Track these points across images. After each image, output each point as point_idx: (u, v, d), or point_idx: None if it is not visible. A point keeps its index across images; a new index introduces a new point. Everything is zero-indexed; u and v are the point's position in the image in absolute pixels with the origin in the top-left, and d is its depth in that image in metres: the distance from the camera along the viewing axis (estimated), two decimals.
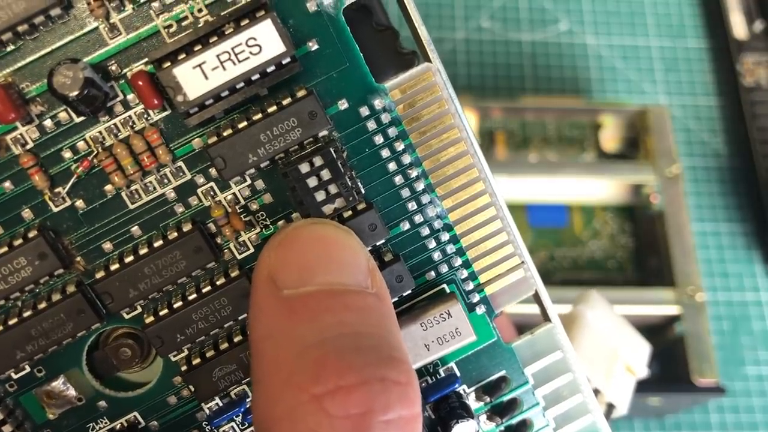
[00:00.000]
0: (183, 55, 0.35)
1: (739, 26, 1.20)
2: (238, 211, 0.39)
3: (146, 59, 0.36)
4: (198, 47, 0.35)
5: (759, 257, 1.11)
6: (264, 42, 0.35)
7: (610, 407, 0.72)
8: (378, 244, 0.39)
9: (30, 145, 0.36)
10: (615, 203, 1.09)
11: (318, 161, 0.37)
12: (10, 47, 0.35)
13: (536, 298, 0.43)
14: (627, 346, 0.72)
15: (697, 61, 1.23)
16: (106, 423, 0.41)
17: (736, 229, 1.13)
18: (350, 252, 0.35)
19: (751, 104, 1.15)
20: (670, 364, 0.97)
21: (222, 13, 0.36)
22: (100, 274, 0.38)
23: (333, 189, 0.37)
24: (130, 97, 0.36)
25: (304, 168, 0.37)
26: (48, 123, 0.36)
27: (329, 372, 0.30)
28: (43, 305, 0.38)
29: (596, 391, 0.65)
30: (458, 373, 0.43)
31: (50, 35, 0.35)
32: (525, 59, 1.19)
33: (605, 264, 1.06)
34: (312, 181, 0.37)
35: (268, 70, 0.35)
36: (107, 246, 0.38)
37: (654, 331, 0.98)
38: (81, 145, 0.37)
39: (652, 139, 1.05)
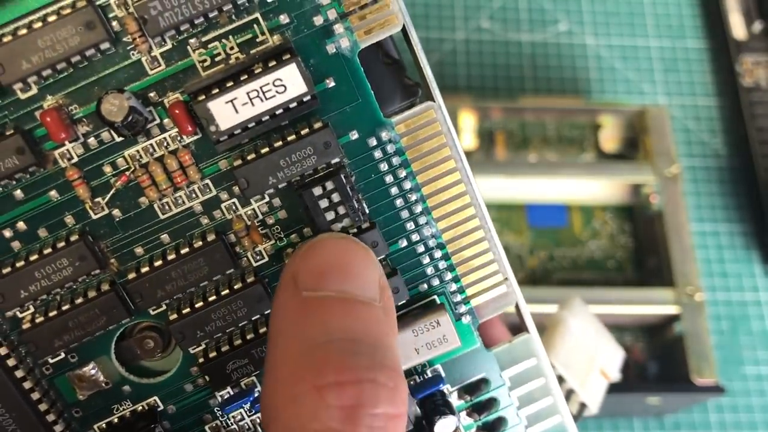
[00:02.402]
0: (216, 90, 0.42)
1: (738, 27, 1.26)
2: (257, 224, 0.46)
3: (182, 90, 0.43)
4: (230, 84, 0.42)
5: (758, 257, 1.17)
6: (289, 83, 0.42)
7: (583, 406, 0.79)
8: (378, 258, 0.47)
9: (75, 159, 0.44)
10: (614, 203, 1.14)
11: (329, 185, 0.44)
12: (64, 74, 0.42)
13: (517, 310, 0.51)
14: (604, 352, 0.79)
15: (697, 61, 1.28)
16: (128, 405, 0.49)
17: (735, 229, 1.19)
18: (366, 266, 0.42)
19: (751, 104, 1.21)
20: (670, 364, 1.03)
21: (251, 52, 0.43)
22: (131, 275, 0.45)
23: (341, 210, 0.45)
24: (166, 121, 0.44)
25: (317, 191, 0.44)
26: (92, 141, 0.43)
27: (330, 369, 0.37)
28: (80, 300, 0.45)
29: (571, 391, 0.72)
30: (443, 374, 0.51)
31: (99, 64, 0.42)
32: (525, 60, 1.24)
33: (605, 264, 1.12)
34: (323, 203, 0.44)
35: (291, 106, 0.42)
36: (139, 250, 0.46)
37: (653, 330, 1.06)
38: (120, 161, 0.44)
39: (652, 139, 1.11)
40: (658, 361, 1.05)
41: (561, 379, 0.65)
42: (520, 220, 1.12)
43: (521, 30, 1.27)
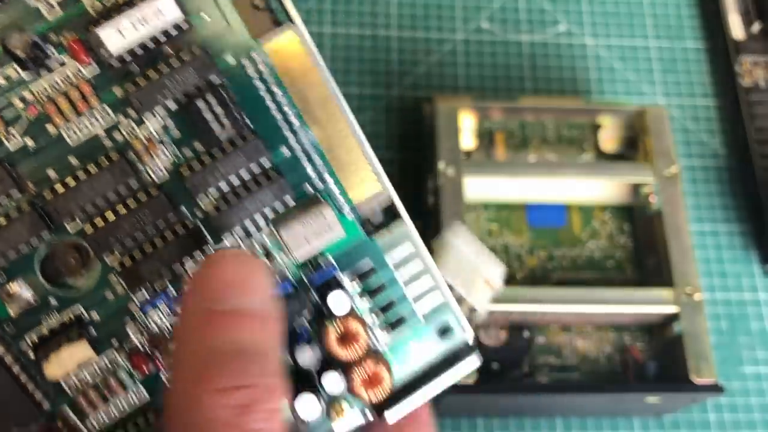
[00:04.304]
0: (104, 22, 0.52)
1: (737, 27, 1.29)
2: (153, 141, 0.55)
3: (77, 27, 0.53)
4: (115, 15, 0.52)
5: (757, 257, 1.19)
6: (165, 11, 0.52)
7: (472, 311, 0.89)
8: (266, 167, 0.55)
9: None
10: (613, 203, 1.17)
11: (211, 99, 0.53)
12: None
13: (392, 205, 0.58)
14: (485, 265, 0.89)
15: (696, 61, 1.32)
16: (56, 316, 0.56)
17: (734, 229, 1.21)
18: (260, 280, 0.51)
19: (750, 105, 1.24)
20: (669, 364, 1.05)
21: None
22: (48, 196, 0.53)
23: (225, 121, 0.53)
24: (66, 58, 0.53)
25: (201, 104, 0.53)
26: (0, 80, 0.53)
27: (225, 375, 0.47)
28: (2, 221, 0.53)
29: (461, 299, 0.81)
30: (335, 264, 0.58)
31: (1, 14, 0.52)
32: (524, 60, 1.29)
33: (604, 264, 1.14)
34: (209, 115, 0.53)
35: (172, 33, 0.52)
36: (52, 174, 0.54)
37: (652, 330, 1.09)
38: (28, 95, 0.53)
39: (651, 139, 1.13)
40: (657, 361, 1.07)
41: (451, 288, 0.72)
42: (520, 220, 1.15)
43: (521, 30, 1.31)
